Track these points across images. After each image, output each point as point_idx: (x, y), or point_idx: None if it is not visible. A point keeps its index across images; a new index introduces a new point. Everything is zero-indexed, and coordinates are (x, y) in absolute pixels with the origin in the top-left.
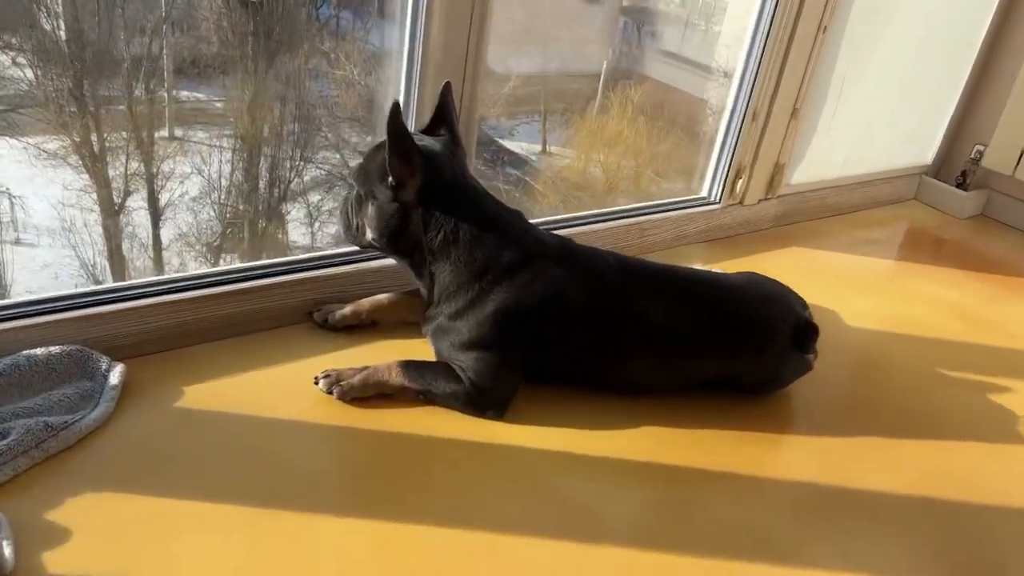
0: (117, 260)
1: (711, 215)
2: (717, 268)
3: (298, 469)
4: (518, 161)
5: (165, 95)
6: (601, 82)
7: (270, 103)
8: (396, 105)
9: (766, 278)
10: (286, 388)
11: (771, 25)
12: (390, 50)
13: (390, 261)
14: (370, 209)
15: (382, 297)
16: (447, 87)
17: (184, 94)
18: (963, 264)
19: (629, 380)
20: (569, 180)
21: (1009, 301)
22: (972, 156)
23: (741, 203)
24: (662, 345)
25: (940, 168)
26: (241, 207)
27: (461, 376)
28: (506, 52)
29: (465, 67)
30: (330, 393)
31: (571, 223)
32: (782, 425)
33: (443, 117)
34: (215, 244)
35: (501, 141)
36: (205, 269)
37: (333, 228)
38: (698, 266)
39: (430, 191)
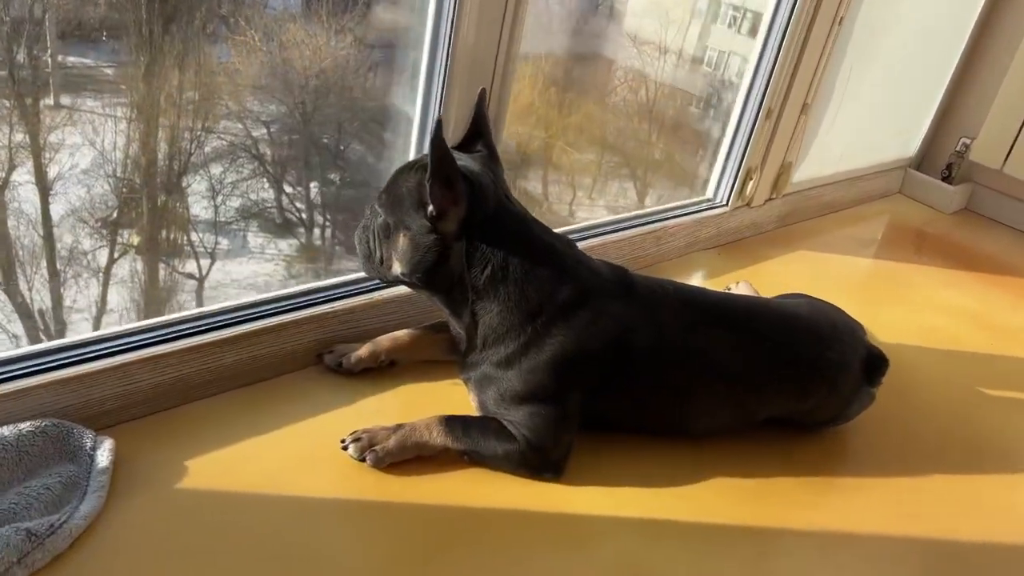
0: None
1: (721, 219)
2: (734, 277)
3: (329, 560)
4: None
5: (49, 60)
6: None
7: (167, 70)
8: (439, 123)
9: (824, 303)
10: (307, 454)
11: (790, 17)
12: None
13: (409, 290)
14: (401, 241)
15: (402, 334)
16: (482, 95)
17: (71, 59)
18: (972, 266)
19: (692, 423)
20: None
21: None
22: (958, 149)
23: (748, 205)
24: (730, 383)
25: (923, 161)
26: (138, 181)
27: (514, 433)
28: (413, 20)
29: (495, 63)
30: (362, 460)
31: (586, 232)
32: (847, 465)
33: (479, 129)
34: (111, 219)
35: (407, 112)
36: (192, 311)
37: (237, 202)
38: (718, 278)
39: (475, 221)
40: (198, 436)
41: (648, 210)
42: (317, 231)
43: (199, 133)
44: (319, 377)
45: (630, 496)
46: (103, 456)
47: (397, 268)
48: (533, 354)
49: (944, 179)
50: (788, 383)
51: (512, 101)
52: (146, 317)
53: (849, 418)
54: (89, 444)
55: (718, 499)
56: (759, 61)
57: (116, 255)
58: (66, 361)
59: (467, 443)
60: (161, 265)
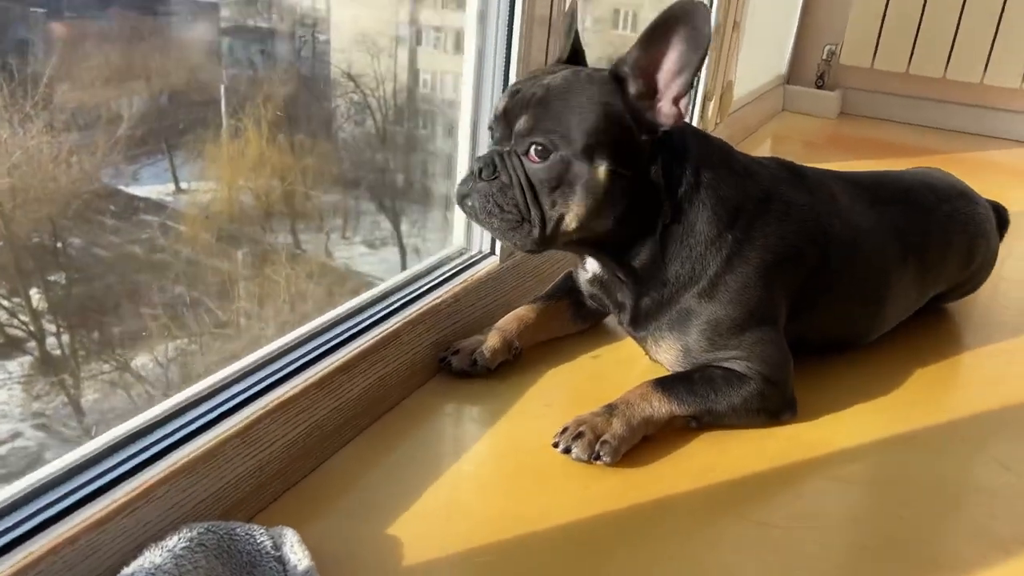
0: None
1: None
2: None
3: None
4: (154, 207)
5: None
6: (223, 107)
7: None
8: (573, 11)
9: (934, 169)
10: (516, 478)
11: None
12: None
13: (514, 260)
14: (593, 179)
15: (525, 313)
16: (572, 14)
17: None
18: (860, 155)
19: (887, 316)
20: (221, 213)
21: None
22: (824, 57)
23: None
24: (918, 258)
25: (797, 74)
26: None
27: (745, 373)
28: (109, 94)
29: None
30: (594, 459)
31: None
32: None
33: (577, 47)
34: None
35: (127, 189)
36: (270, 347)
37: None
38: None
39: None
40: (374, 496)
41: None
42: (52, 339)
43: None
44: (452, 387)
45: (864, 415)
46: (296, 556)
47: (575, 218)
48: (740, 266)
49: (819, 88)
50: (960, 246)
51: (240, 155)
52: None
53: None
54: (268, 544)
55: (944, 396)
56: None
57: None
58: (170, 441)
59: (696, 403)
60: None
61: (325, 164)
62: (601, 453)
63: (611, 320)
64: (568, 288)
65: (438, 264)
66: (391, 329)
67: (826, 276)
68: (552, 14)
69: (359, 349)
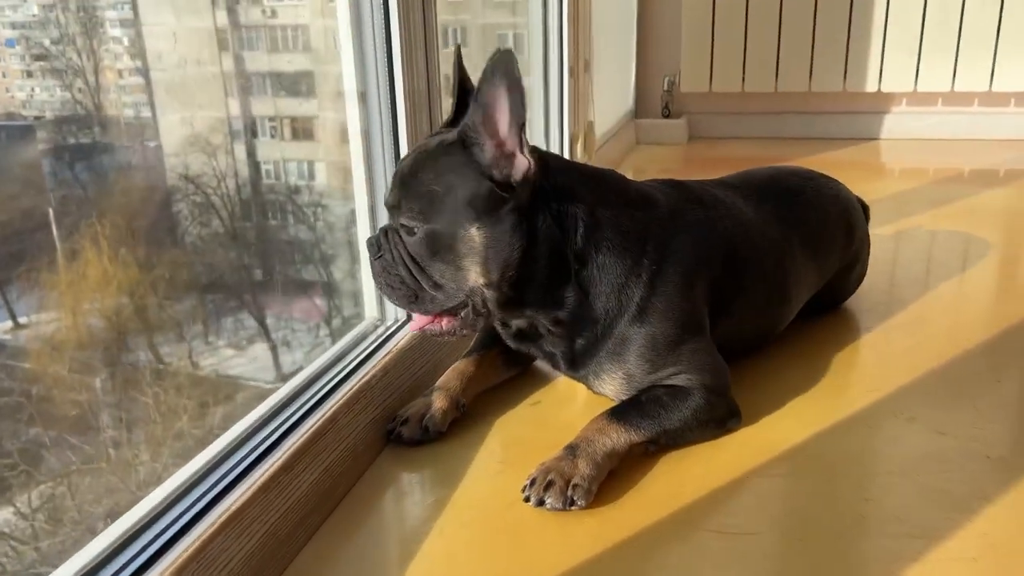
0: None
1: None
2: None
3: None
4: None
5: None
6: (55, 231)
7: None
8: (459, 49)
9: (796, 167)
10: (495, 544)
11: None
12: None
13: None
14: (469, 242)
15: (464, 366)
16: (458, 51)
17: None
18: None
19: (788, 313)
20: (68, 343)
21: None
22: (665, 88)
23: None
24: (807, 251)
25: (644, 106)
26: None
27: (687, 386)
28: None
29: None
30: (569, 505)
31: None
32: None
33: (465, 88)
34: None
35: None
36: (210, 452)
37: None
38: None
39: (546, 173)
40: None
41: None
42: None
43: None
44: (402, 457)
45: (800, 408)
46: None
47: (473, 281)
48: (661, 286)
49: (666, 117)
50: (836, 218)
51: (81, 278)
52: None
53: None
54: None
55: (865, 376)
56: (559, 26)
57: None
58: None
59: (651, 426)
60: None
61: (176, 271)
62: (575, 497)
63: (541, 362)
64: (495, 336)
65: (356, 340)
66: (326, 415)
67: (735, 277)
68: (430, 87)
69: (298, 444)
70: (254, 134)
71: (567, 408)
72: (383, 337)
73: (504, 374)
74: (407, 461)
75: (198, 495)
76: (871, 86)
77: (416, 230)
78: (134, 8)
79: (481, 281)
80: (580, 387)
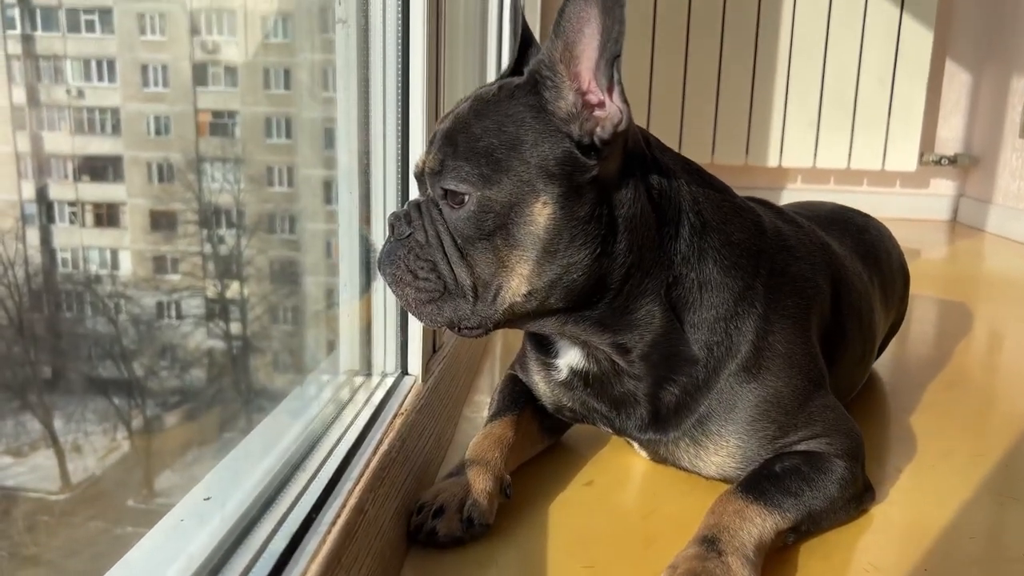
0: None
1: None
2: None
3: None
4: None
5: None
6: None
7: None
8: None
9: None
10: None
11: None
12: None
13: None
14: (535, 220)
15: (502, 431)
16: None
17: None
18: None
19: (872, 357)
20: None
21: None
22: None
23: None
24: (881, 298)
25: None
26: None
27: (828, 451)
28: None
29: None
30: None
31: None
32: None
33: (529, 42)
34: None
35: None
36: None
37: None
38: None
39: (647, 141)
40: None
41: None
42: None
43: None
44: (439, 564)
45: (923, 477)
46: None
47: (524, 280)
48: (779, 320)
49: None
50: (898, 260)
51: None
52: None
53: None
54: None
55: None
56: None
57: None
58: None
59: (796, 507)
60: None
61: None
62: None
63: (576, 429)
64: (525, 394)
65: (338, 402)
66: (353, 503)
67: (838, 318)
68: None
69: (322, 555)
70: (51, 219)
71: (626, 489)
72: (385, 391)
73: (538, 446)
74: (448, 570)
75: None
76: (772, 161)
77: (467, 198)
78: None
79: (523, 290)
80: (635, 460)
